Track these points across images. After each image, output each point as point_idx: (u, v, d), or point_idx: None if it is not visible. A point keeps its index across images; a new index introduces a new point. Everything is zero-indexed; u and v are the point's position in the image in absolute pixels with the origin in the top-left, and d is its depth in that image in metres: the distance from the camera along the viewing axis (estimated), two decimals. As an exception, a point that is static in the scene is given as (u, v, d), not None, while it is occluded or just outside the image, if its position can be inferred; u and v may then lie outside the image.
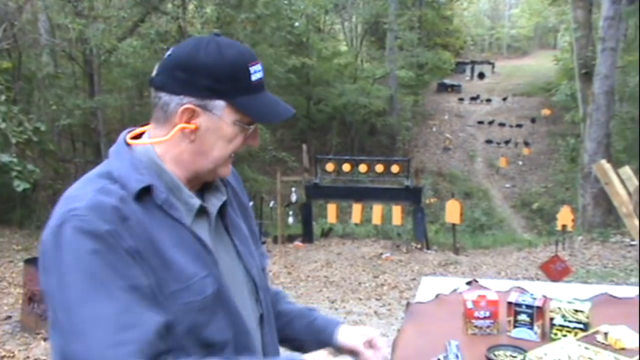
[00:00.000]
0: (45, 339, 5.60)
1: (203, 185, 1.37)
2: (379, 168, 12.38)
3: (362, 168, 12.58)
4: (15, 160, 8.13)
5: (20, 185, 7.95)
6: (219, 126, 1.26)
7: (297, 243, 11.93)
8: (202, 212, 1.32)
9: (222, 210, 1.39)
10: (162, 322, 1.15)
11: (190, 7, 14.06)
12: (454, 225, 12.04)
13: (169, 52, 1.29)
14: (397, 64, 25.55)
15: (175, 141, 1.27)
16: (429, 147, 27.67)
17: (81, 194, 1.18)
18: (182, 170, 1.29)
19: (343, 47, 29.16)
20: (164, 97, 1.26)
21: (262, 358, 1.30)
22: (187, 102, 1.24)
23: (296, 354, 1.34)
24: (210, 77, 1.23)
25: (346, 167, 12.53)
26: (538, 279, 8.20)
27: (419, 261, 10.51)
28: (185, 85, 1.24)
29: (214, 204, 1.36)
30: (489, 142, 27.18)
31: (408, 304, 2.14)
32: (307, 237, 12.19)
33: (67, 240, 1.12)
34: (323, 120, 24.54)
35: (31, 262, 6.05)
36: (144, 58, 13.85)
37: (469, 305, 1.85)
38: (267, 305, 1.46)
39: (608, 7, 13.04)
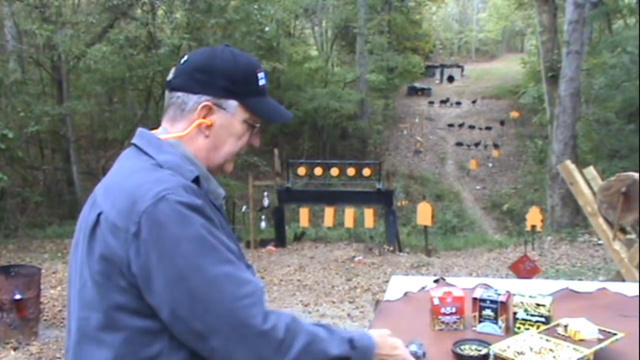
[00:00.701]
0: (15, 349, 5.52)
1: None
2: (351, 171, 12.45)
3: (334, 171, 12.62)
4: (-18, 168, 7.99)
5: (-13, 193, 7.82)
6: (231, 123, 1.42)
7: (270, 247, 11.93)
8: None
9: None
10: None
11: (160, 12, 13.97)
12: (425, 227, 12.15)
13: (185, 59, 1.46)
14: (368, 67, 25.71)
15: (191, 137, 1.42)
16: (400, 150, 27.83)
17: (161, 177, 1.30)
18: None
19: (313, 52, 29.24)
20: (182, 96, 1.42)
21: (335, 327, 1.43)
22: (205, 100, 1.41)
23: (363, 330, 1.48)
24: (226, 79, 1.41)
25: (318, 170, 12.59)
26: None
27: (391, 263, 10.58)
28: (204, 85, 1.40)
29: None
30: (459, 144, 27.48)
31: (377, 302, 2.19)
32: (280, 241, 12.20)
33: (172, 214, 1.24)
34: (294, 124, 24.49)
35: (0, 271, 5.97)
36: (113, 64, 13.71)
37: (436, 302, 1.90)
38: None
39: (572, 11, 13.32)
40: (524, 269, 7.69)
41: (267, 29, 19.68)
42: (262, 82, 1.47)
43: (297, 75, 23.24)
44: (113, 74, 14.03)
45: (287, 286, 8.89)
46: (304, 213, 12.14)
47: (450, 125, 30.04)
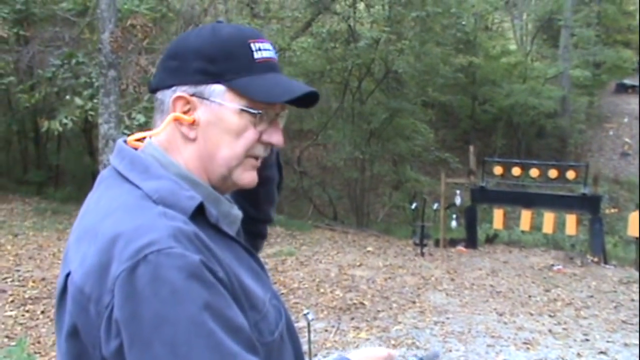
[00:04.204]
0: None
1: None
2: (553, 173, 11.61)
3: (534, 172, 11.83)
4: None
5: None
6: (221, 116, 1.04)
7: (460, 248, 11.55)
8: None
9: None
10: None
11: (361, 6, 14.12)
12: (637, 239, 10.96)
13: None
14: (572, 62, 23.98)
15: (173, 144, 1.07)
16: (605, 152, 25.63)
17: (145, 223, 0.93)
18: None
19: (512, 46, 27.91)
20: (159, 95, 1.08)
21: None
22: (180, 91, 1.05)
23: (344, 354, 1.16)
24: (202, 58, 1.04)
25: (515, 170, 11.87)
26: None
27: (595, 276, 9.68)
28: (176, 73, 1.05)
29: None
30: (675, 148, 24.60)
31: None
32: (471, 242, 11.75)
33: (156, 284, 0.87)
34: (487, 121, 23.69)
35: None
36: (314, 57, 14.16)
37: None
38: None
39: None
40: None
41: (463, 22, 19.08)
42: (260, 54, 1.07)
43: (493, 70, 22.32)
44: (313, 67, 14.49)
45: (479, 291, 8.48)
46: (498, 214, 11.58)
47: (666, 127, 26.97)
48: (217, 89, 1.04)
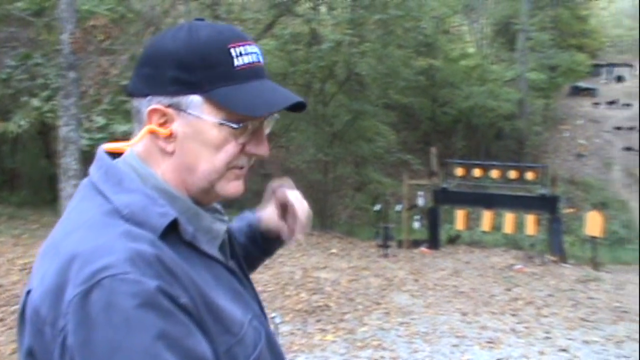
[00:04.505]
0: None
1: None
2: (513, 174, 11.88)
3: (494, 174, 12.09)
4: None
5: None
6: (199, 129, 0.98)
7: (423, 249, 11.68)
8: None
9: None
10: None
11: (323, 9, 14.14)
12: (593, 238, 11.26)
13: None
14: (528, 65, 24.52)
15: (153, 157, 1.01)
16: (560, 153, 26.28)
17: (104, 244, 0.88)
18: None
19: (470, 49, 28.37)
20: (136, 103, 1.01)
21: None
22: (155, 103, 0.98)
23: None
24: (177, 66, 0.96)
25: (477, 172, 12.10)
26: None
27: (554, 275, 9.90)
28: (151, 82, 0.98)
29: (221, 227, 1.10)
30: (628, 149, 25.37)
31: None
32: (433, 243, 11.90)
33: (109, 311, 0.82)
34: (447, 122, 24.04)
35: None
36: (277, 59, 14.09)
37: None
38: None
39: None
40: None
41: (424, 25, 19.30)
42: (242, 60, 0.99)
43: (452, 73, 22.65)
44: (276, 69, 14.45)
45: (442, 292, 8.57)
46: (460, 215, 11.77)
47: (618, 129, 27.82)
48: (195, 100, 0.97)
